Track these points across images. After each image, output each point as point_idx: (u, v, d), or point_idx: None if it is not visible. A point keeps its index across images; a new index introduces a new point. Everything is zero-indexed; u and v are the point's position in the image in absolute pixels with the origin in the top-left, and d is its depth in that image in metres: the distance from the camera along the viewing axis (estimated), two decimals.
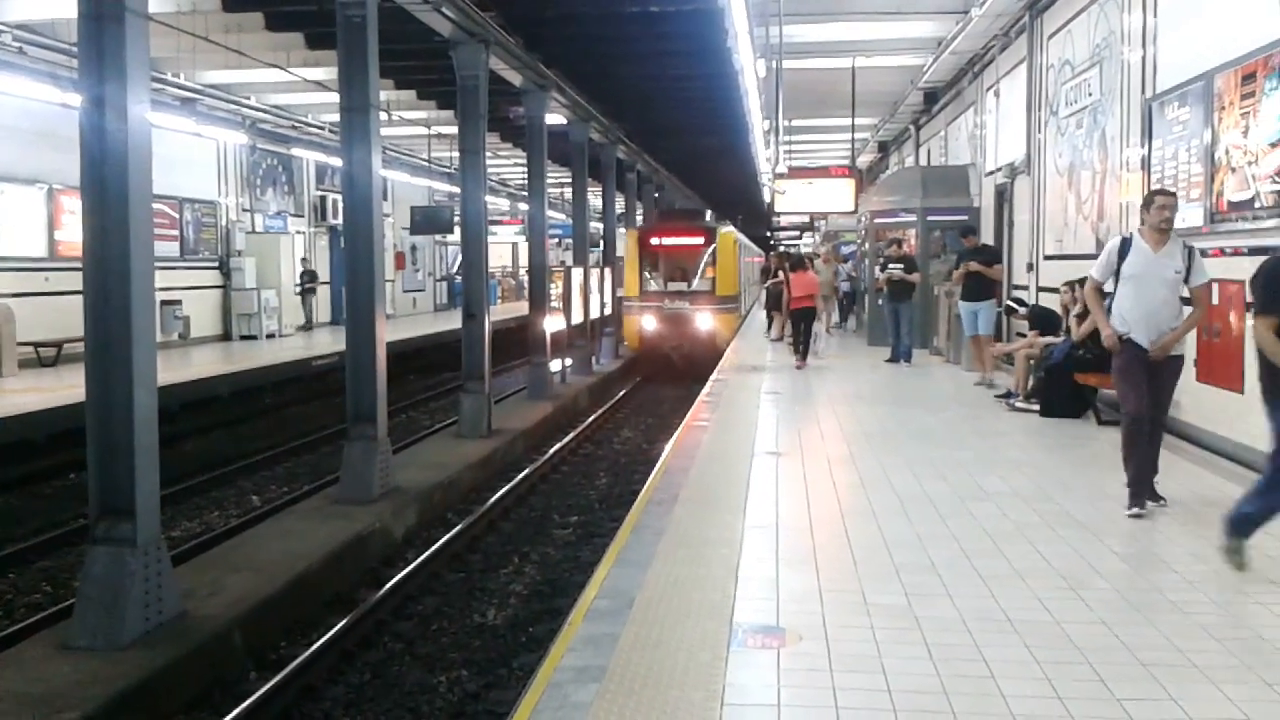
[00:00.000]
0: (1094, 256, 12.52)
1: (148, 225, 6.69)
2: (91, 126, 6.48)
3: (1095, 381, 10.62)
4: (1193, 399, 9.47)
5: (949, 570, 5.73)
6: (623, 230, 27.44)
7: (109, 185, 6.46)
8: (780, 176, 22.31)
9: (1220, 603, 5.18)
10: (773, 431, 10.37)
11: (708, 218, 29.75)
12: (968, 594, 5.32)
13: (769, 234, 46.76)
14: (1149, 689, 4.16)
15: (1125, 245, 7.02)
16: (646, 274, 24.12)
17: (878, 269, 17.94)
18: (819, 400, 12.69)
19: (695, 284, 24.05)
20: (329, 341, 20.64)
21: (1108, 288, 7.28)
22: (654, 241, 24.43)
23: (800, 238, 44.79)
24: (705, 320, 23.32)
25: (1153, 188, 9.53)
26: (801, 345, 16.79)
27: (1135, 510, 6.79)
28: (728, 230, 25.32)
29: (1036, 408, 11.22)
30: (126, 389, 6.50)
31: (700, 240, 24.37)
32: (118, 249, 6.45)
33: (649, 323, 23.55)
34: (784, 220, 37.42)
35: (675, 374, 22.65)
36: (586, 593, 5.45)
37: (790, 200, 22.68)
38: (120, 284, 6.46)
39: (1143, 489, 6.91)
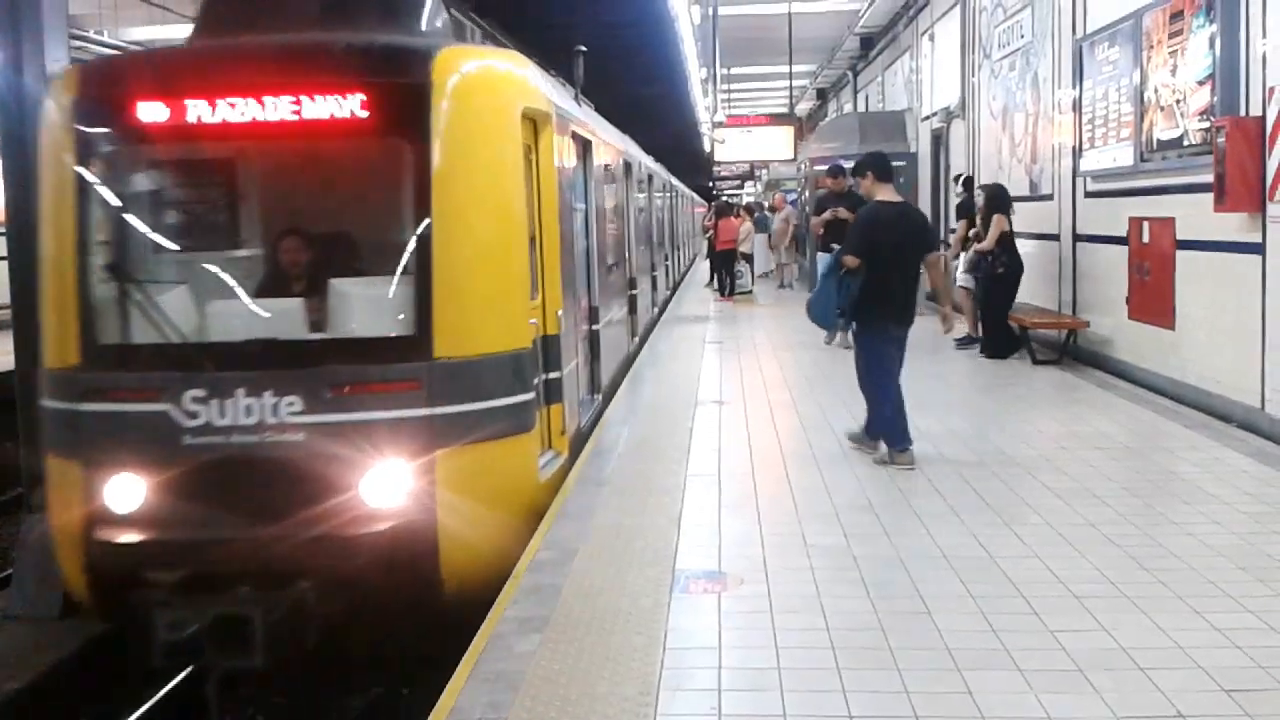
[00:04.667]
0: (1029, 198, 12.74)
1: None
2: (9, 87, 6.32)
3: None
4: (1125, 336, 9.66)
5: (886, 510, 5.81)
6: None
7: (30, 148, 6.30)
8: (719, 125, 22.32)
9: (1151, 535, 5.29)
10: (716, 380, 10.40)
11: (424, 24, 6.06)
12: (905, 532, 5.40)
13: (710, 184, 46.70)
14: (1081, 620, 4.25)
15: None
16: (112, 286, 5.38)
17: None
18: (762, 348, 12.74)
19: (342, 315, 5.41)
20: None
21: None
22: (141, 117, 5.23)
23: (741, 187, 44.84)
24: (384, 486, 5.00)
25: None
26: (728, 283, 19.32)
27: None
28: (496, 68, 5.84)
29: (976, 347, 11.38)
30: None
31: (343, 107, 5.06)
32: None
33: (121, 499, 5.03)
34: (724, 170, 37.41)
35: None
36: (530, 544, 5.46)
37: (730, 150, 22.78)
38: None
39: None
